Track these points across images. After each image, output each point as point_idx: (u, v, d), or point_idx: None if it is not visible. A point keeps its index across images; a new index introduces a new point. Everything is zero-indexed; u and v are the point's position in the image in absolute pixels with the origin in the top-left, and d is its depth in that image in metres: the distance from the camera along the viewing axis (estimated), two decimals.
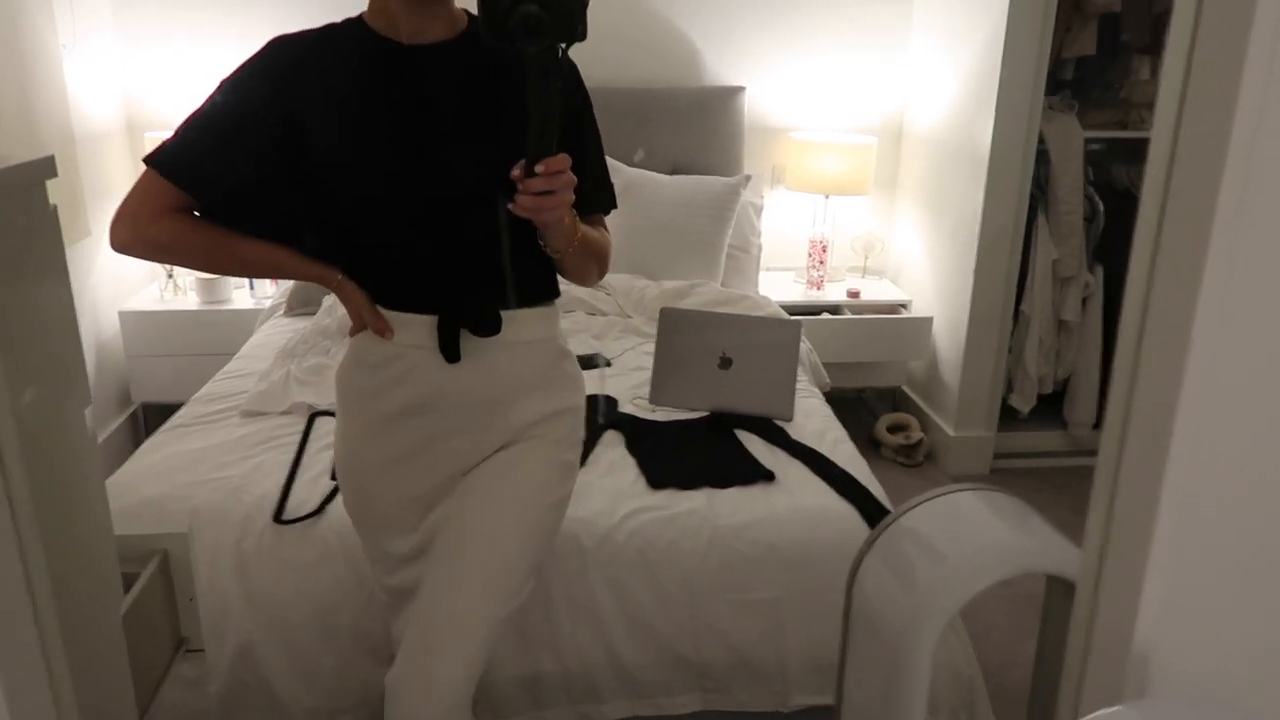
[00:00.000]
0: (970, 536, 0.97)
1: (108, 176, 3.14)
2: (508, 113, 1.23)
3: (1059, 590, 0.97)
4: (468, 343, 1.28)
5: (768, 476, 1.94)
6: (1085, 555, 0.78)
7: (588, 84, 1.33)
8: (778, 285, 3.47)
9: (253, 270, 1.46)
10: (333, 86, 1.25)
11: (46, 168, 1.03)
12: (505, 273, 1.27)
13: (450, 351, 1.27)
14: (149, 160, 1.26)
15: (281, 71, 1.25)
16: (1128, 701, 0.68)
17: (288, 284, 2.98)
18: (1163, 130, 0.66)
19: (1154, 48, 3.09)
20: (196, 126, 1.26)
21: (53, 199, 1.03)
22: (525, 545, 1.33)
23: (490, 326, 1.28)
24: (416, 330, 1.29)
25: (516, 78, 1.08)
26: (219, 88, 1.26)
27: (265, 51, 1.26)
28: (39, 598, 0.76)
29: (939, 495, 1.01)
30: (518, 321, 1.31)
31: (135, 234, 1.28)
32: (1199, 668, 0.69)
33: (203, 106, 1.26)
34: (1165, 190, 0.66)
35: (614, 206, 1.40)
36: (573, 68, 1.29)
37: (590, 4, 1.07)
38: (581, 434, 1.45)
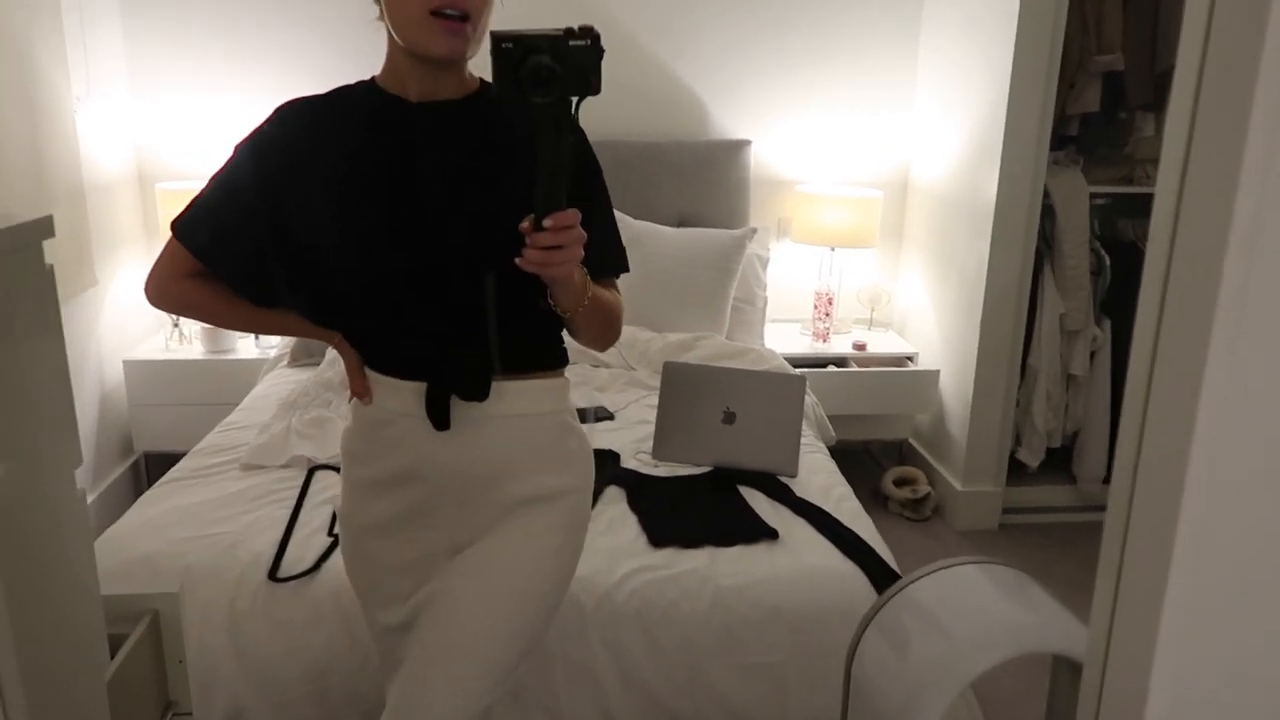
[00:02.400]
0: (975, 614, 0.94)
1: (117, 226, 3.17)
2: (508, 174, 1.23)
3: (1066, 670, 0.93)
4: (459, 412, 1.24)
5: (771, 535, 1.91)
6: (1092, 634, 0.75)
7: (591, 137, 1.29)
8: (783, 337, 3.46)
9: (264, 329, 1.46)
10: (336, 147, 1.25)
11: (44, 228, 1.02)
12: (490, 340, 1.24)
13: (438, 419, 1.24)
14: (173, 225, 1.31)
15: (288, 136, 1.26)
16: None
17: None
18: (1167, 183, 0.65)
19: (1157, 105, 3.11)
20: (212, 194, 1.28)
21: (59, 251, 1.03)
22: (516, 635, 1.27)
23: (479, 392, 1.24)
24: (406, 397, 1.26)
25: (523, 137, 1.07)
26: (233, 154, 1.28)
27: (274, 117, 1.28)
28: (6, 677, 0.74)
29: (942, 568, 0.98)
30: (512, 393, 1.27)
31: (159, 292, 1.33)
32: None
33: (219, 173, 1.28)
34: (1171, 242, 0.64)
35: (625, 269, 1.35)
36: (582, 131, 1.25)
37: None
38: (588, 514, 1.38)
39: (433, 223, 1.22)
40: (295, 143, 1.25)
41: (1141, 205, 3.19)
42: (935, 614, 0.92)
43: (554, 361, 1.33)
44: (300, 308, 1.31)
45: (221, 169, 1.28)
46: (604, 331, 1.31)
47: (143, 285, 1.35)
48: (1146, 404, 0.68)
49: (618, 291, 1.35)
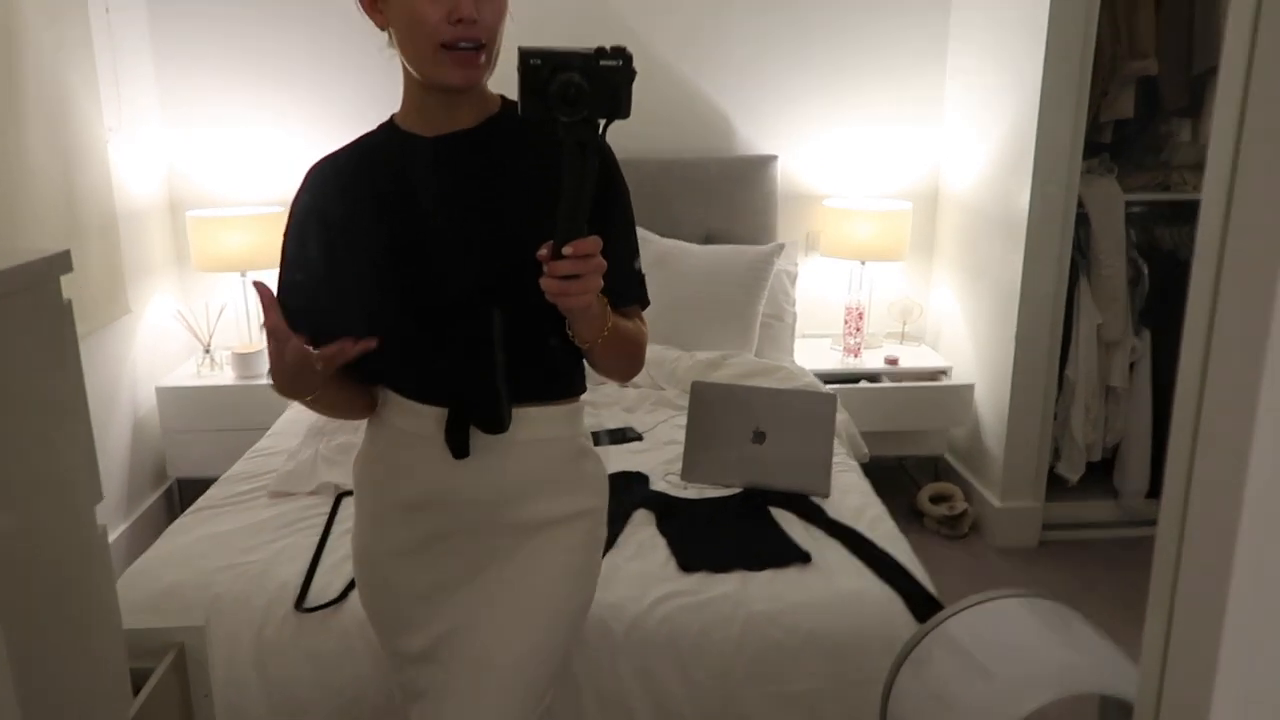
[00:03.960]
0: (1017, 652, 0.89)
1: (150, 255, 3.20)
2: (523, 201, 1.21)
3: (1115, 712, 0.89)
4: (476, 439, 1.24)
5: (804, 558, 1.87)
6: (1143, 674, 0.71)
7: (618, 154, 1.25)
8: (814, 353, 3.41)
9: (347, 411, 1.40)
10: (356, 194, 1.25)
11: (61, 263, 1.02)
12: (515, 369, 1.23)
13: (457, 447, 1.23)
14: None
15: (319, 201, 1.27)
16: None
17: None
18: (1216, 182, 0.61)
19: (1193, 110, 3.04)
20: (281, 282, 1.28)
21: (91, 280, 1.02)
22: (544, 654, 1.27)
23: (498, 424, 1.23)
24: (425, 421, 1.25)
25: (542, 159, 1.05)
26: (283, 242, 1.29)
27: (305, 183, 1.29)
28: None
29: (981, 601, 0.94)
30: (530, 419, 1.26)
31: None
32: None
33: (281, 260, 1.29)
34: (1221, 247, 0.61)
35: (646, 302, 1.33)
36: (610, 153, 1.23)
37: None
38: (603, 535, 1.38)
39: (446, 253, 1.21)
40: (328, 206, 1.26)
41: (1178, 213, 3.12)
42: (974, 652, 0.88)
43: (573, 389, 1.32)
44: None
45: (281, 258, 1.29)
46: (626, 363, 1.29)
47: None
48: (1198, 422, 0.64)
49: (642, 322, 1.31)
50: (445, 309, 1.22)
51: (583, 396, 1.36)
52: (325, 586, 1.76)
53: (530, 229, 1.10)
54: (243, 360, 3.18)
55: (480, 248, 1.21)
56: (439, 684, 1.28)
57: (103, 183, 2.87)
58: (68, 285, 1.03)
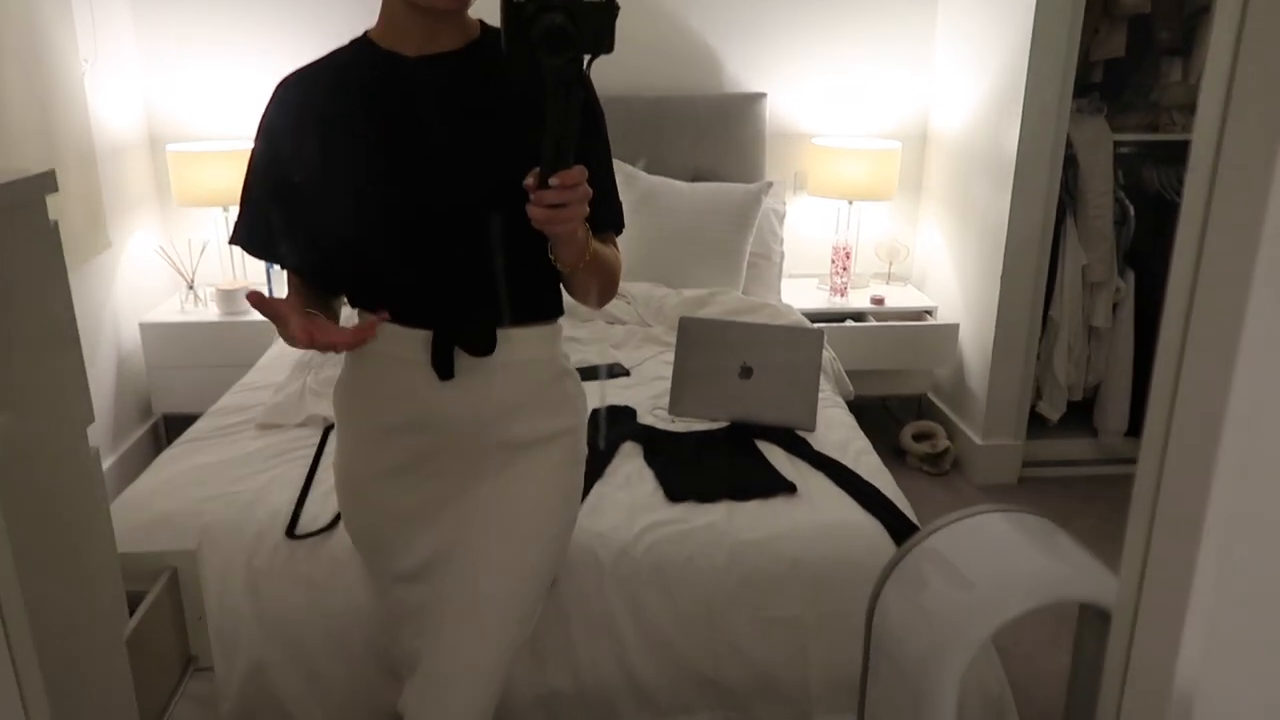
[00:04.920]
0: (999, 562, 0.92)
1: (130, 189, 3.15)
2: (511, 121, 1.20)
3: (1093, 619, 0.91)
4: (461, 361, 1.26)
5: (789, 489, 1.89)
6: (1123, 583, 0.73)
7: (604, 92, 1.29)
8: (800, 292, 3.42)
9: None
10: (336, 110, 1.24)
11: (46, 183, 1.00)
12: (498, 290, 1.24)
13: (443, 369, 1.25)
14: (230, 241, 1.33)
15: (290, 112, 1.26)
16: None
17: None
18: (1207, 122, 0.61)
19: (1186, 49, 3.02)
20: (245, 196, 1.29)
21: (71, 214, 1.01)
22: (533, 572, 1.31)
23: (485, 346, 1.25)
24: (410, 344, 1.26)
25: (525, 88, 1.05)
26: (252, 149, 1.28)
27: (274, 96, 1.28)
28: (13, 629, 0.74)
29: (964, 517, 0.96)
30: (514, 341, 1.28)
31: None
32: (1249, 712, 0.64)
33: (246, 173, 1.29)
34: (1211, 184, 0.61)
35: (621, 227, 1.35)
36: (589, 81, 1.24)
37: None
38: (583, 451, 1.41)
39: (435, 171, 1.21)
40: (299, 115, 1.25)
41: (1167, 153, 3.12)
42: (958, 564, 0.90)
43: (554, 310, 1.34)
44: (313, 266, 1.30)
45: (246, 171, 1.29)
46: (603, 288, 1.31)
47: None
48: (1184, 341, 0.65)
49: (616, 248, 1.34)
50: (425, 227, 1.22)
51: (571, 332, 1.38)
52: (316, 515, 1.78)
53: (513, 151, 1.10)
54: (226, 296, 3.15)
55: (464, 167, 1.21)
56: (429, 603, 1.30)
57: (80, 115, 2.81)
58: (51, 213, 1.02)
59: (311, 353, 2.48)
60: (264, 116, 1.27)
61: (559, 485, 1.35)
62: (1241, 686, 0.65)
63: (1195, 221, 0.64)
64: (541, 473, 1.32)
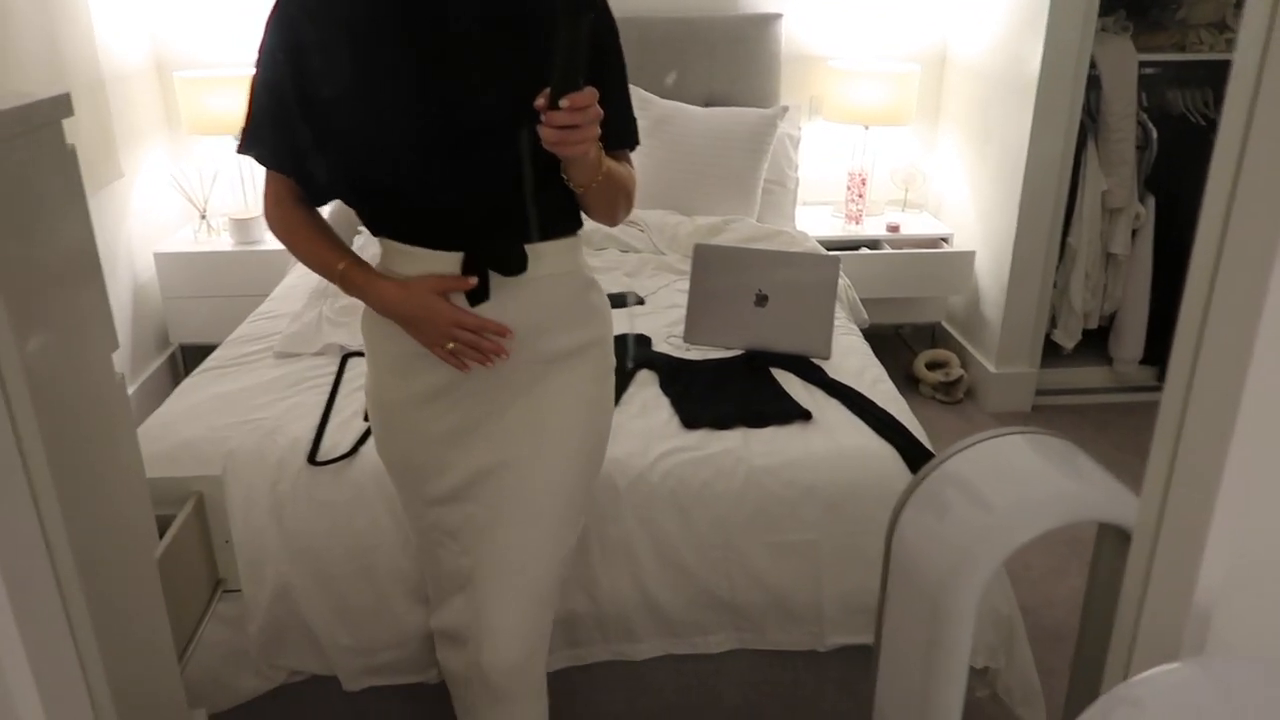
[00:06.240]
0: (1018, 483, 0.93)
1: (139, 118, 3.12)
2: (532, 42, 1.18)
3: (1112, 539, 0.92)
4: (492, 280, 1.26)
5: (805, 416, 1.90)
6: (1144, 503, 0.74)
7: (619, 13, 1.26)
8: (815, 220, 3.39)
9: (317, 269, 1.40)
10: (347, 19, 1.20)
11: (62, 106, 1.00)
12: (529, 207, 1.23)
13: (476, 291, 1.25)
14: (238, 149, 1.31)
15: (296, 17, 1.21)
16: (1186, 659, 0.65)
17: None
18: (1251, 42, 0.60)
19: None
20: (254, 101, 1.26)
21: (82, 142, 1.00)
22: (575, 485, 1.36)
23: (518, 265, 1.25)
24: (441, 268, 1.26)
25: (544, 6, 1.03)
26: (260, 47, 1.24)
27: (279, 2, 1.23)
28: (56, 550, 0.75)
29: (984, 440, 0.97)
30: (542, 256, 1.28)
31: (269, 222, 1.34)
32: (1266, 626, 0.65)
33: (253, 78, 1.26)
34: (1251, 110, 0.60)
35: (636, 143, 1.34)
36: (603, 2, 1.23)
37: None
38: (612, 363, 1.43)
39: (460, 90, 1.19)
40: (320, 17, 1.21)
41: (1193, 74, 3.05)
42: (978, 485, 0.91)
43: (576, 222, 1.34)
44: (339, 186, 1.29)
45: (253, 76, 1.25)
46: (616, 206, 1.30)
47: None
48: (1217, 264, 0.64)
49: (630, 164, 1.33)
50: (457, 144, 1.20)
51: (594, 276, 1.39)
52: (337, 443, 1.80)
53: (539, 67, 1.08)
54: (240, 226, 3.15)
55: (490, 81, 1.19)
56: (473, 522, 1.34)
57: (87, 43, 2.77)
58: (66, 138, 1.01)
59: (327, 282, 2.48)
60: (269, 22, 1.22)
61: (593, 396, 1.37)
62: (1262, 606, 0.66)
63: (1234, 141, 0.63)
64: (577, 384, 1.35)
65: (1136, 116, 3.00)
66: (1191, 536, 0.69)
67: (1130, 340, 3.23)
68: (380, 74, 1.20)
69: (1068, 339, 3.21)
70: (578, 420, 1.35)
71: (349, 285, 1.30)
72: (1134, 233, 3.13)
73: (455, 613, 1.42)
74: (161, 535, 1.35)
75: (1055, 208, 2.98)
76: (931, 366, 3.32)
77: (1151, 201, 3.11)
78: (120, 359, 2.98)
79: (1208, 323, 0.65)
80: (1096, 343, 3.32)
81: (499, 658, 1.30)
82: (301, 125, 1.23)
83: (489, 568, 1.33)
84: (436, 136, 1.20)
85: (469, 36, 1.19)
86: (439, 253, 1.26)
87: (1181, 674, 0.64)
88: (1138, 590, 0.72)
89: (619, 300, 2.49)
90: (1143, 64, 2.96)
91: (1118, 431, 3.06)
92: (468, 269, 1.25)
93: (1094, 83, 2.92)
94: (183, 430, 1.84)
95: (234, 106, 2.97)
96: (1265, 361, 0.62)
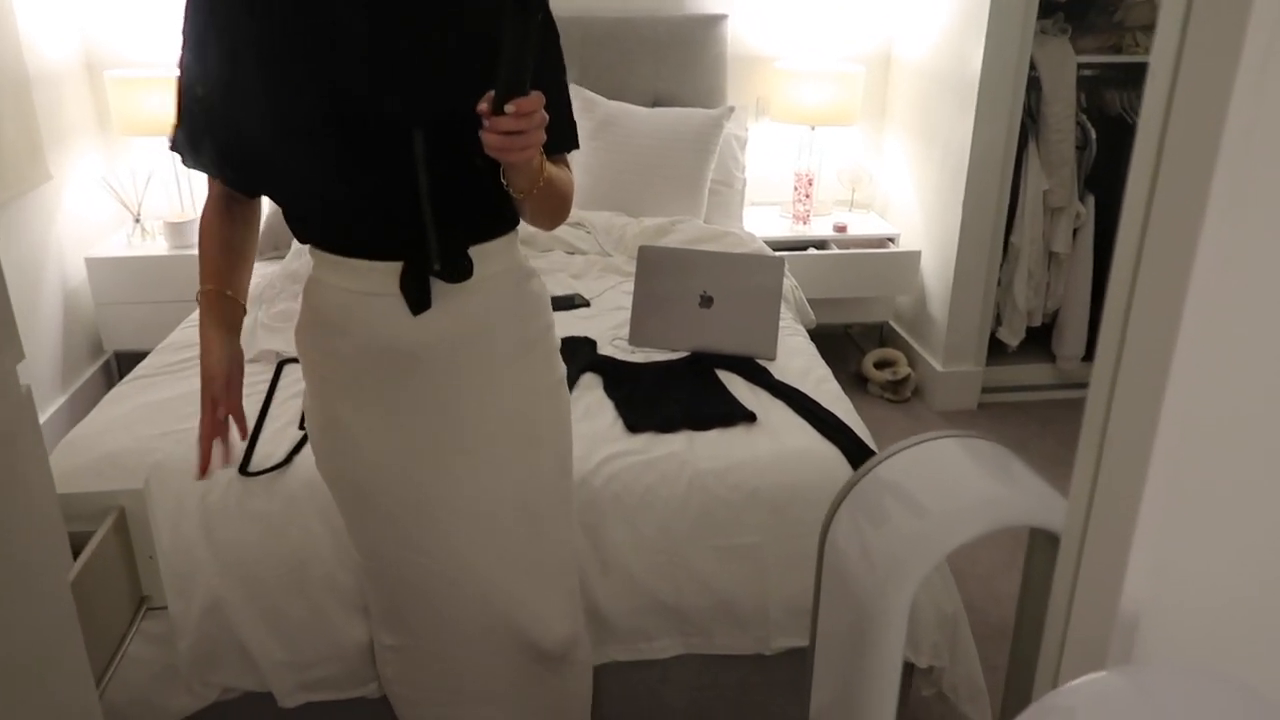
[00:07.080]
0: (950, 487, 0.92)
1: (68, 118, 3.03)
2: (462, 40, 1.15)
3: (1043, 544, 0.92)
4: (434, 285, 1.21)
5: (749, 417, 1.89)
6: (1071, 508, 0.73)
7: (560, 12, 1.23)
8: (763, 220, 3.39)
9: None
10: (269, 10, 1.15)
11: None
12: (472, 212, 1.20)
13: (419, 302, 1.20)
14: (170, 147, 1.28)
15: (213, 8, 1.16)
16: (1113, 667, 0.64)
17: None
18: (1164, 47, 0.59)
19: None
20: (179, 99, 1.23)
21: (7, 145, 0.95)
22: (560, 471, 1.39)
23: (464, 271, 1.21)
24: (377, 278, 1.20)
25: (479, 3, 1.00)
26: (183, 39, 1.20)
27: None
28: None
29: (916, 444, 0.96)
30: (483, 256, 1.24)
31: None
32: (1191, 634, 0.64)
33: (179, 74, 1.22)
34: (1166, 112, 0.59)
35: (576, 146, 1.31)
36: (545, 3, 1.19)
37: None
38: (557, 342, 1.42)
39: (395, 84, 1.13)
40: (237, 11, 1.15)
41: (1130, 76, 3.10)
42: (910, 490, 0.90)
43: (513, 220, 1.30)
44: (256, 179, 1.25)
45: (179, 70, 1.21)
46: (555, 211, 1.28)
47: None
48: (1137, 268, 0.64)
49: (569, 168, 1.30)
50: (385, 146, 1.15)
51: (531, 264, 1.37)
52: (270, 452, 1.75)
53: (470, 68, 1.05)
54: (175, 229, 3.07)
55: (429, 81, 1.15)
56: (478, 526, 1.33)
57: (10, 41, 2.68)
58: None
59: (264, 287, 2.42)
60: (186, 14, 1.18)
61: (550, 384, 1.37)
62: (1186, 611, 0.65)
63: (1152, 140, 0.62)
64: (531, 380, 1.34)
65: (1076, 117, 3.04)
66: (1117, 543, 0.68)
67: (1072, 337, 3.28)
68: (290, 57, 1.14)
69: (1012, 337, 3.25)
70: (542, 410, 1.36)
71: (200, 312, 1.32)
72: (1075, 231, 3.17)
73: (407, 629, 1.42)
74: (79, 554, 1.30)
75: (998, 207, 3.01)
76: (879, 366, 3.33)
77: (1091, 200, 3.16)
78: (51, 367, 2.90)
79: (1129, 325, 0.65)
80: (1040, 340, 3.36)
81: (554, 635, 1.41)
82: (217, 112, 1.19)
83: (510, 565, 1.36)
84: (363, 139, 1.15)
85: (395, 31, 1.14)
86: (373, 263, 1.20)
87: (1110, 682, 0.63)
88: (1065, 596, 0.72)
89: (564, 303, 2.46)
90: (1081, 65, 3.00)
91: (1062, 428, 3.10)
92: (408, 281, 1.20)
93: (1034, 84, 2.95)
94: (108, 442, 1.78)
95: (168, 107, 2.88)
96: (1186, 367, 0.62)
